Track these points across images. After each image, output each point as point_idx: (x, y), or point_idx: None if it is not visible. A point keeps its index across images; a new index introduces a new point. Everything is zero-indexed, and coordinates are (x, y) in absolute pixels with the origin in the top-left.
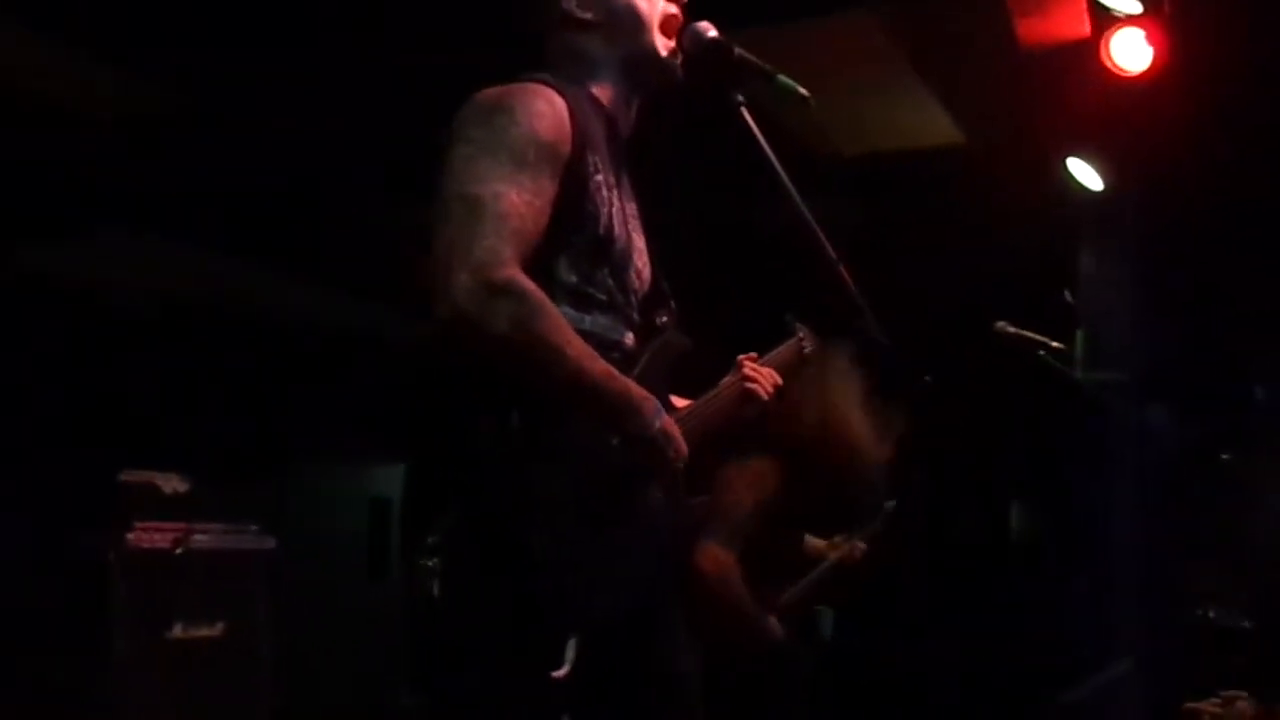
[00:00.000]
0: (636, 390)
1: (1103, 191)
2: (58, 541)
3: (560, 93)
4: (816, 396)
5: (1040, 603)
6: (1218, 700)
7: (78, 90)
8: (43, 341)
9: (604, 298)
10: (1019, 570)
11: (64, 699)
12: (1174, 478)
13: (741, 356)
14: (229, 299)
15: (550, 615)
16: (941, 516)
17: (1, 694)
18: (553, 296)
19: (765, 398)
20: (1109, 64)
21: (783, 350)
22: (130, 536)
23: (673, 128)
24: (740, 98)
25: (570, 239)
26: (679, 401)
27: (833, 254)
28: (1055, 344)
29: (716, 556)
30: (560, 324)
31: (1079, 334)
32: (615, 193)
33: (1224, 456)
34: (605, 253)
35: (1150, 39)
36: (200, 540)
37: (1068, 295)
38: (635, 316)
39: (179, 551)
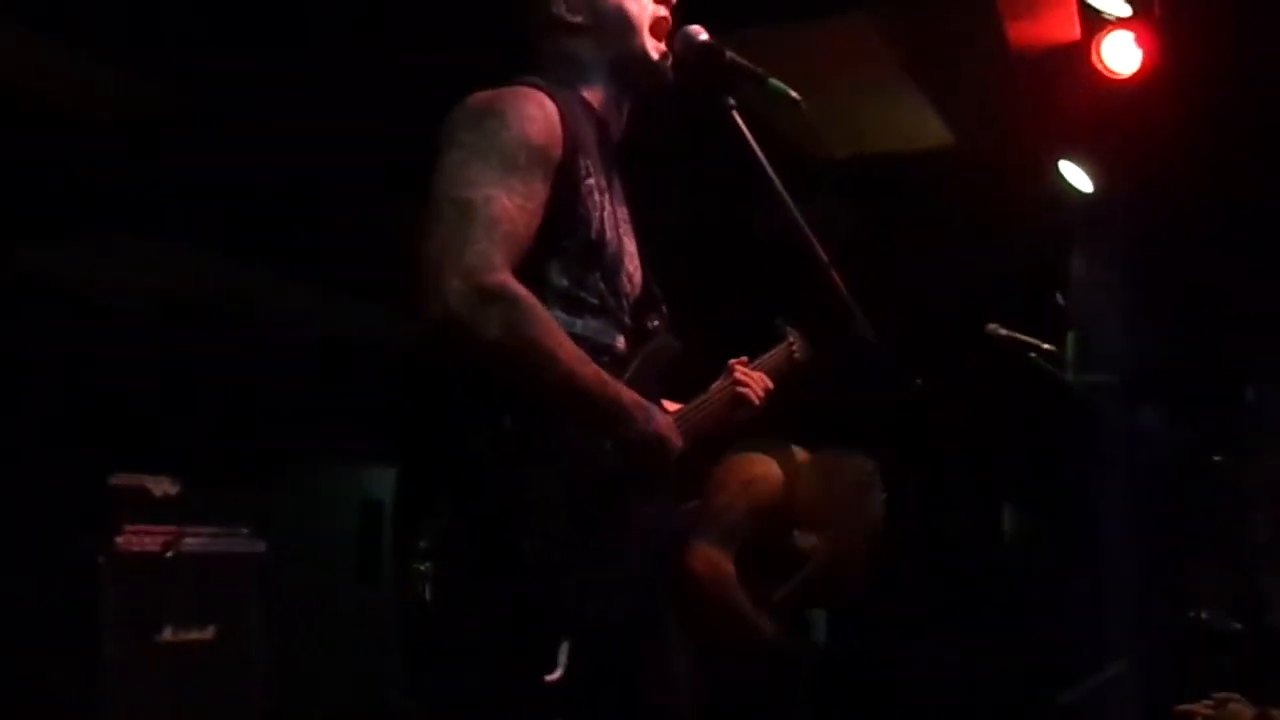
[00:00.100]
0: (628, 394)
1: (1094, 194)
2: (48, 544)
3: (551, 96)
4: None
5: (1034, 604)
6: (1210, 702)
7: (74, 90)
8: (34, 342)
9: (595, 302)
10: (1012, 572)
11: (54, 702)
12: (1166, 479)
13: (733, 360)
14: (220, 301)
15: (543, 619)
16: (934, 519)
17: None
18: (544, 300)
19: (757, 402)
20: (1099, 67)
21: (774, 354)
22: (120, 540)
23: (665, 131)
24: (732, 101)
25: (562, 243)
26: (670, 405)
27: (824, 257)
28: (1047, 346)
29: (710, 558)
30: (552, 328)
31: (1070, 336)
32: (607, 196)
33: (1216, 458)
34: (597, 257)
35: (1140, 42)
36: (191, 543)
37: (1059, 297)
38: (627, 320)
39: (169, 555)
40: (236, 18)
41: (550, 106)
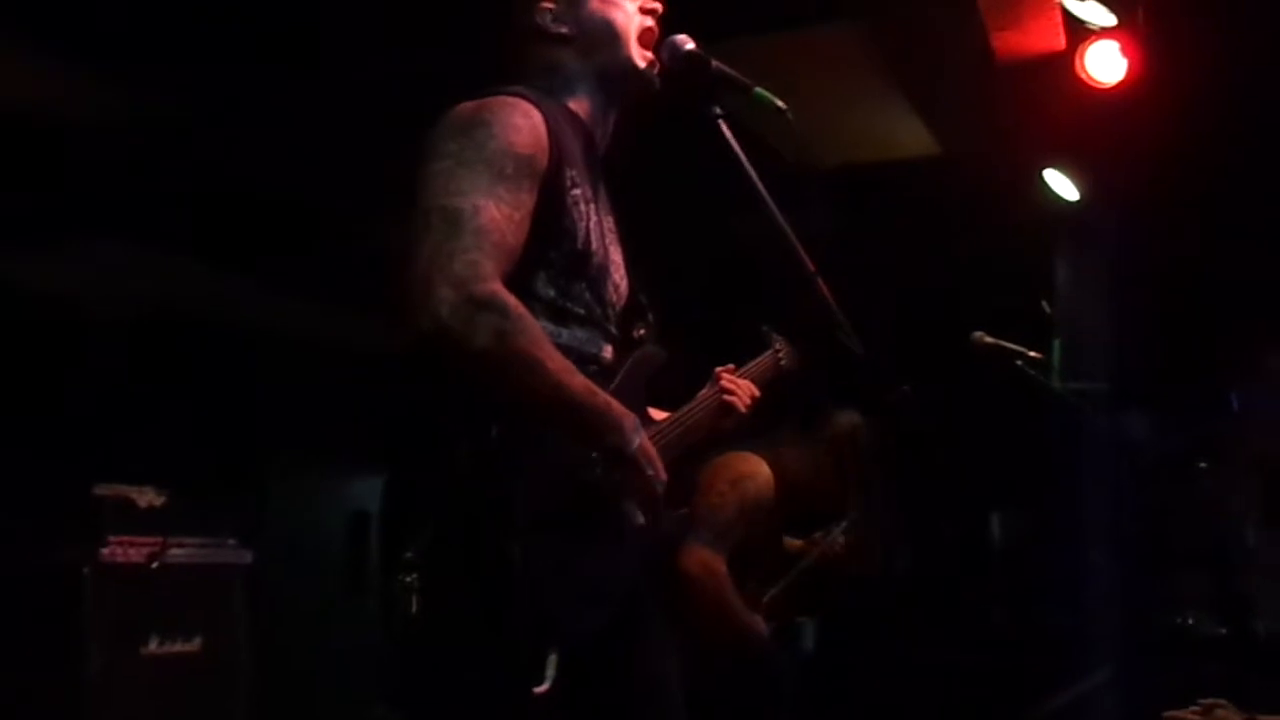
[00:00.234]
0: (616, 407)
1: (1079, 202)
2: (32, 555)
3: (537, 105)
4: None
5: (1022, 611)
6: (1198, 708)
7: (58, 98)
8: (15, 352)
9: (582, 312)
10: (1000, 579)
11: (39, 715)
12: (1152, 486)
13: (719, 368)
14: (205, 310)
15: (530, 631)
16: (923, 527)
17: None
18: (531, 310)
19: (743, 410)
20: (1084, 76)
21: (760, 362)
22: (105, 551)
23: (651, 141)
24: (718, 110)
25: (548, 253)
26: (657, 414)
27: (810, 265)
28: (1033, 353)
29: (703, 559)
30: (541, 339)
31: (1056, 343)
32: (593, 206)
33: (1201, 464)
34: (583, 267)
35: (1124, 51)
36: (176, 554)
37: (1045, 305)
38: (613, 330)
39: (154, 566)
40: (222, 26)
41: (536, 116)
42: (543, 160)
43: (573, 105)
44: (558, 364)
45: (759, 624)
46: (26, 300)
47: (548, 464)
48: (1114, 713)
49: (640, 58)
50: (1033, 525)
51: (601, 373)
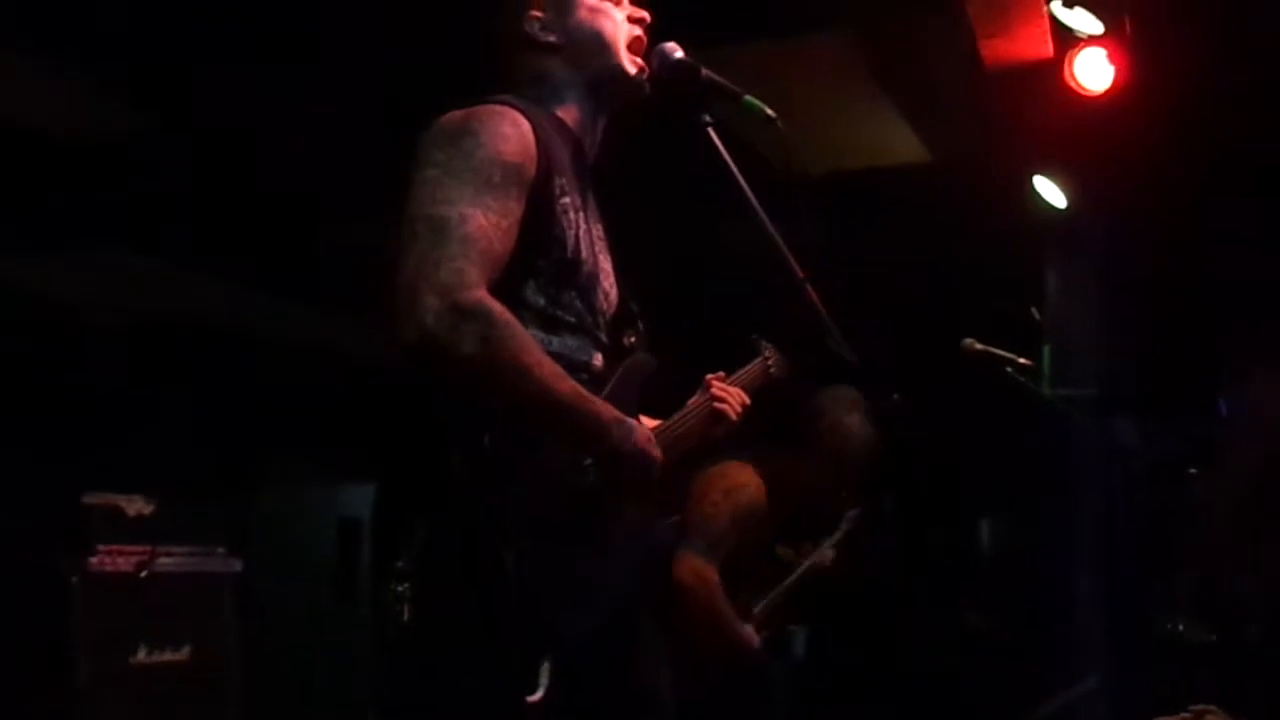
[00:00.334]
0: (607, 411)
1: (1068, 209)
2: (20, 564)
3: (525, 114)
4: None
5: (1011, 618)
6: (1188, 715)
7: (50, 106)
8: (4, 359)
9: (572, 320)
10: (990, 586)
11: None
12: (1141, 492)
13: (709, 376)
14: (194, 317)
15: (523, 639)
16: (912, 533)
17: None
18: (521, 319)
19: (734, 417)
20: (1072, 84)
21: (750, 369)
22: (93, 559)
23: (640, 148)
24: (707, 118)
25: (537, 262)
26: (648, 422)
27: (800, 273)
28: (1022, 360)
29: (696, 568)
30: (530, 345)
31: (1046, 350)
32: (582, 214)
33: (1191, 470)
34: (572, 275)
35: (1112, 59)
36: (165, 563)
37: (1034, 312)
38: (603, 338)
39: (143, 574)
40: (215, 36)
41: (524, 124)
42: (531, 169)
43: (561, 113)
44: (546, 370)
45: (750, 634)
46: (17, 307)
47: (540, 471)
48: (1103, 719)
49: (630, 63)
50: (1022, 532)
51: (592, 380)
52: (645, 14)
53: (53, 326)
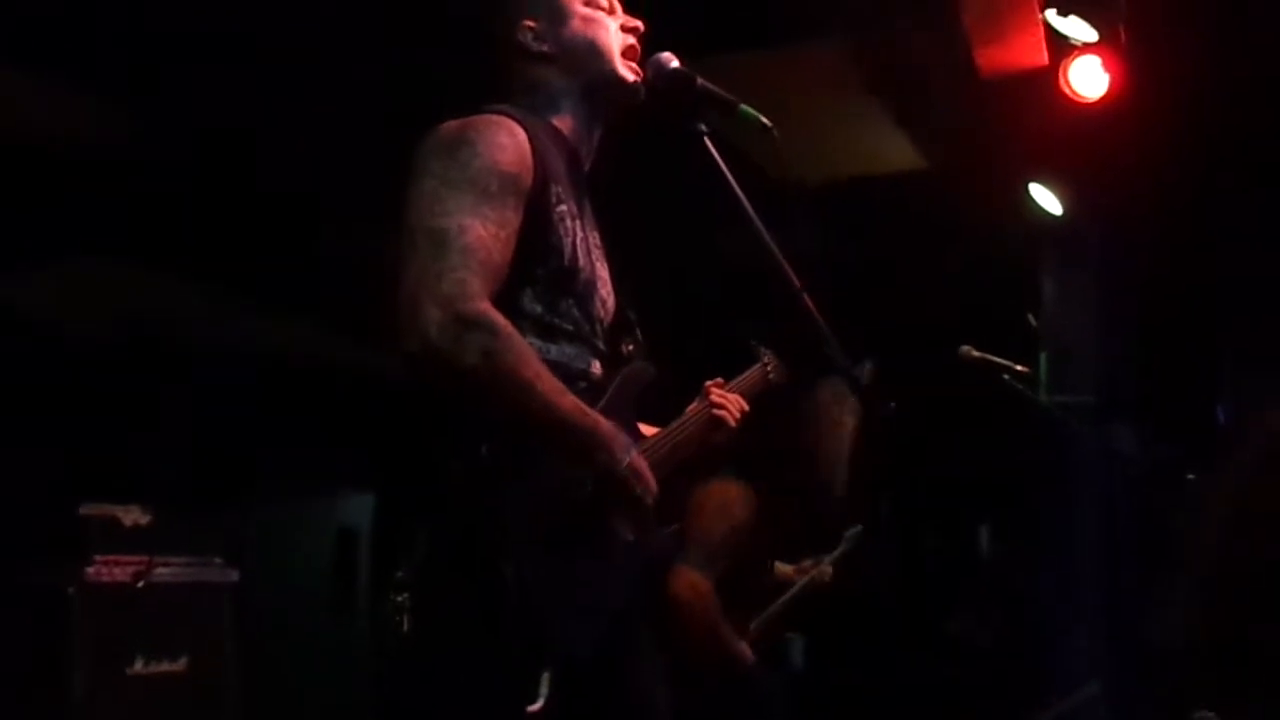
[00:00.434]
0: (605, 425)
1: (1064, 216)
2: (16, 575)
3: (521, 123)
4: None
5: (1010, 626)
6: None
7: (37, 121)
8: (0, 370)
9: (570, 328)
10: (988, 594)
11: None
12: (1139, 499)
13: (708, 383)
14: (190, 328)
15: (523, 650)
16: (910, 541)
17: None
18: (519, 328)
19: (733, 424)
20: (1067, 91)
21: (749, 375)
22: (90, 570)
23: (637, 157)
24: (703, 127)
25: (535, 270)
26: (647, 429)
27: (796, 282)
28: (1019, 367)
29: (693, 582)
30: (530, 357)
31: (1043, 357)
32: (578, 223)
33: (1189, 477)
34: (570, 283)
35: (1107, 66)
36: (162, 573)
37: (1031, 319)
38: (601, 346)
39: (140, 585)
40: (207, 44)
41: (520, 134)
42: (527, 178)
43: (557, 123)
44: (546, 383)
45: (745, 650)
46: (11, 319)
47: (539, 482)
48: None
49: (626, 69)
50: (1020, 539)
51: (590, 388)
52: (639, 23)
53: (49, 338)
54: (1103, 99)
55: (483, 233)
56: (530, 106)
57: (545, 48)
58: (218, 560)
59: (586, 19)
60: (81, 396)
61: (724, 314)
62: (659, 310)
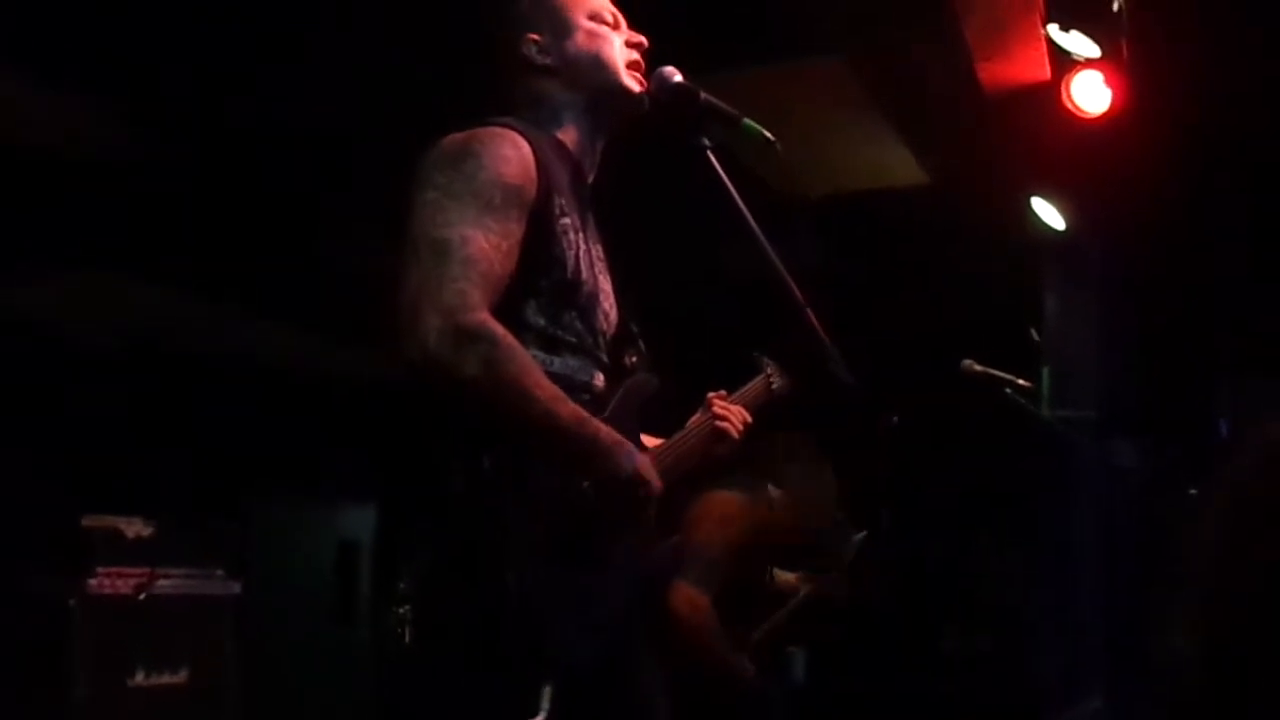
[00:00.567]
0: (607, 434)
1: (1066, 231)
2: (18, 586)
3: (525, 136)
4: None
5: (1011, 639)
6: None
7: (40, 127)
8: (3, 382)
9: (573, 340)
10: (989, 608)
11: None
12: (1141, 512)
13: (711, 394)
14: (192, 338)
15: (525, 662)
16: (911, 556)
17: None
18: (521, 340)
19: (736, 435)
20: (1069, 106)
21: (752, 387)
22: (92, 582)
23: (640, 171)
24: (706, 141)
25: (538, 282)
26: (650, 441)
27: (799, 295)
28: (1021, 382)
29: (691, 598)
30: (531, 368)
31: (1045, 371)
32: (581, 235)
33: (1191, 491)
34: (573, 295)
35: (1109, 82)
36: (164, 585)
37: (1033, 333)
38: (604, 358)
39: (142, 597)
40: (206, 59)
41: (524, 146)
42: (531, 190)
43: (560, 135)
44: (547, 392)
45: (745, 664)
46: (14, 330)
47: (541, 493)
48: None
49: (630, 80)
50: (1022, 552)
51: (593, 401)
52: (643, 39)
53: (51, 350)
54: (1105, 114)
55: (485, 244)
56: (534, 119)
57: (549, 61)
58: (219, 572)
59: (591, 33)
60: (85, 407)
61: (727, 329)
62: (662, 322)
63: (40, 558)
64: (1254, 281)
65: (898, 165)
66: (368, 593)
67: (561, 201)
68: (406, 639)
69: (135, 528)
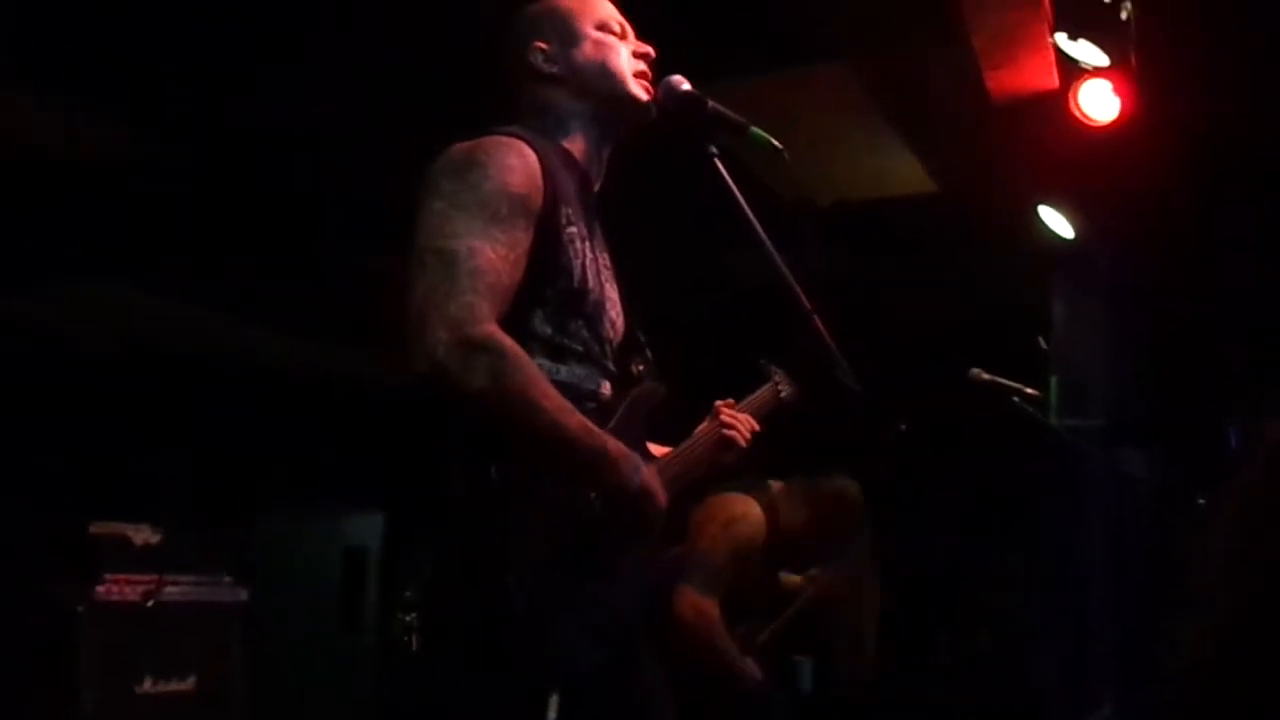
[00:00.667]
0: (614, 445)
1: (1074, 239)
2: (26, 593)
3: (531, 145)
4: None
5: (1019, 648)
6: None
7: (46, 137)
8: (11, 390)
9: (579, 349)
10: (997, 616)
11: None
12: (1149, 521)
13: (718, 402)
14: (200, 347)
15: (531, 671)
16: (918, 564)
17: None
18: (528, 349)
19: (743, 444)
20: (1078, 115)
21: (759, 395)
22: (100, 589)
23: (648, 179)
24: (714, 149)
25: (545, 292)
26: (657, 450)
27: (807, 303)
28: (1029, 390)
29: (696, 603)
30: (538, 379)
31: (1053, 380)
32: (588, 244)
33: (1200, 500)
34: (579, 304)
35: (1117, 90)
36: (172, 592)
37: (1041, 342)
38: (611, 366)
39: (150, 604)
40: (207, 69)
41: (530, 156)
42: (537, 199)
43: (567, 144)
44: (555, 404)
45: (751, 668)
46: (21, 338)
47: (547, 503)
48: None
49: (637, 88)
50: (1030, 561)
51: (600, 409)
52: (650, 49)
53: (59, 358)
54: (1113, 123)
55: (491, 255)
56: (540, 128)
57: (556, 70)
58: (227, 579)
59: (598, 42)
60: (92, 415)
61: (735, 336)
62: (669, 330)
63: (48, 564)
64: (1263, 290)
65: (905, 173)
66: (374, 599)
67: (568, 210)
68: (412, 646)
69: (143, 535)
